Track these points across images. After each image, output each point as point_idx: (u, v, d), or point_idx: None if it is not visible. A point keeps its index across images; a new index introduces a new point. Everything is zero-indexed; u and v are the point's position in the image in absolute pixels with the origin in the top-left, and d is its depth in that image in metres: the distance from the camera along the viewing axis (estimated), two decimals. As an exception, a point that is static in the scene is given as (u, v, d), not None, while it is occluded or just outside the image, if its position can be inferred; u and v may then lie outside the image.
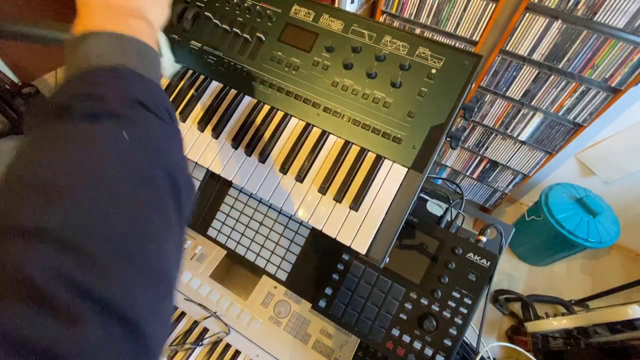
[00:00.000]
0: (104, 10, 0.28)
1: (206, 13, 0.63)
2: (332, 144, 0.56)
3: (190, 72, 0.64)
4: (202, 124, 0.60)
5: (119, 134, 0.22)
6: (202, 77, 0.63)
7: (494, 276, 0.58)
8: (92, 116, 0.22)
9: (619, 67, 1.20)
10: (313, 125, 0.57)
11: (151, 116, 0.25)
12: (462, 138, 0.56)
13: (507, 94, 1.46)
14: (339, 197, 0.52)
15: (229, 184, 0.71)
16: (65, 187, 0.19)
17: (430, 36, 1.18)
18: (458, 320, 0.57)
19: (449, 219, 0.70)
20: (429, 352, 0.57)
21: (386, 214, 0.51)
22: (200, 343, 0.64)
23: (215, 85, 0.63)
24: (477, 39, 1.37)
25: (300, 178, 0.55)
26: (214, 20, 0.63)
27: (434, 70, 0.53)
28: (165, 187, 0.23)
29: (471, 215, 0.80)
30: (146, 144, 0.23)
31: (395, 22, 1.53)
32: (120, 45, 0.27)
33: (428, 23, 1.43)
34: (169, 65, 0.48)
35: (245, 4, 0.62)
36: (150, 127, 0.24)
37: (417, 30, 1.47)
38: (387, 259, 0.51)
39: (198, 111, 0.62)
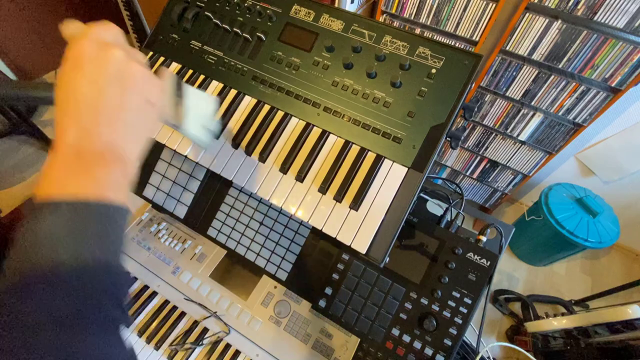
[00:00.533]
0: (73, 161, 0.26)
1: (206, 13, 0.63)
2: (332, 143, 0.56)
3: (191, 71, 0.64)
4: (202, 123, 0.60)
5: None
6: (202, 77, 0.63)
7: (494, 276, 0.58)
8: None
9: (619, 67, 1.20)
10: (313, 125, 0.57)
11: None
12: (462, 138, 0.56)
13: (507, 94, 1.46)
14: (339, 197, 0.52)
15: (229, 184, 0.71)
16: None
17: (430, 36, 1.18)
18: (458, 320, 0.57)
19: (449, 219, 0.70)
20: (429, 351, 0.57)
21: (386, 213, 0.51)
22: (200, 343, 0.64)
23: (215, 85, 0.63)
24: (477, 39, 1.37)
25: (300, 178, 0.55)
26: (214, 20, 0.63)
27: (434, 70, 0.53)
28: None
29: (471, 215, 0.80)
30: None
31: (395, 22, 1.53)
32: (80, 225, 0.25)
33: (428, 23, 1.43)
34: (207, 136, 0.43)
35: (246, 4, 0.62)
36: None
37: (417, 30, 1.47)
38: (387, 259, 0.51)
39: (198, 111, 0.62)
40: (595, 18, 1.15)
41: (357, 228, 0.51)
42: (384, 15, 1.53)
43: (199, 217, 0.71)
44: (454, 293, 0.58)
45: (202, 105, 0.42)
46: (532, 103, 1.43)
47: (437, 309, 0.59)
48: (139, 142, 0.32)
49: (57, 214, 0.24)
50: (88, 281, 0.24)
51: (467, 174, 1.90)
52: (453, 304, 0.58)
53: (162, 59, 0.66)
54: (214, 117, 0.46)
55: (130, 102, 0.30)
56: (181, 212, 0.72)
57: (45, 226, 0.24)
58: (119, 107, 0.29)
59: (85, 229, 0.25)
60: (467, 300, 0.58)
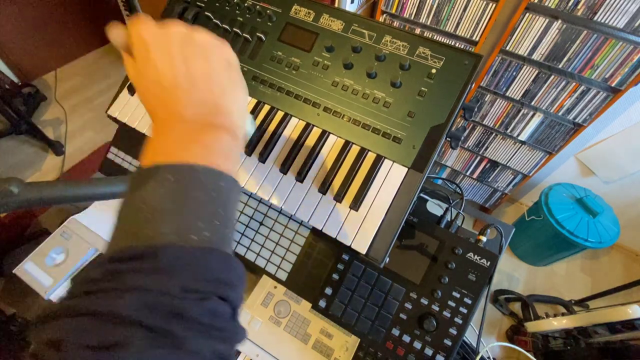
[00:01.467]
0: (177, 125, 0.25)
1: (206, 13, 0.63)
2: (332, 143, 0.56)
3: (190, 72, 0.64)
4: (202, 123, 0.60)
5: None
6: (202, 77, 0.63)
7: (494, 276, 0.58)
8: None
9: (619, 67, 1.20)
10: (313, 125, 0.57)
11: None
12: (462, 138, 0.56)
13: (507, 94, 1.46)
14: (339, 197, 0.52)
15: (229, 183, 0.71)
16: None
17: (430, 36, 1.18)
18: (458, 320, 0.57)
19: (449, 219, 0.70)
20: (429, 352, 0.57)
21: (386, 213, 0.51)
22: (200, 343, 0.64)
23: (215, 85, 0.62)
24: (477, 39, 1.37)
25: (301, 178, 0.55)
26: (214, 20, 0.63)
27: (434, 70, 0.53)
28: None
29: (471, 215, 0.80)
30: None
31: (395, 22, 1.53)
32: (184, 194, 0.22)
33: (428, 23, 1.43)
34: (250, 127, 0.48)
35: (245, 4, 0.62)
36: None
37: (417, 30, 1.47)
38: (387, 259, 0.51)
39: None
40: (595, 18, 1.15)
41: (357, 228, 0.51)
42: (384, 15, 1.53)
43: (199, 217, 0.71)
44: (454, 293, 0.58)
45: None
46: (532, 103, 1.43)
47: (437, 309, 0.59)
48: (238, 101, 0.31)
49: (160, 181, 0.22)
50: (191, 260, 0.21)
51: (467, 174, 1.90)
52: (453, 304, 0.58)
53: (162, 59, 0.66)
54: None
55: (216, 65, 0.29)
56: (181, 212, 0.71)
57: (148, 193, 0.22)
58: (208, 72, 0.28)
59: (189, 198, 0.22)
60: (467, 301, 0.58)
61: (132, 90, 0.65)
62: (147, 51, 0.27)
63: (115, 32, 0.28)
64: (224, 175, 0.24)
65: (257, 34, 0.61)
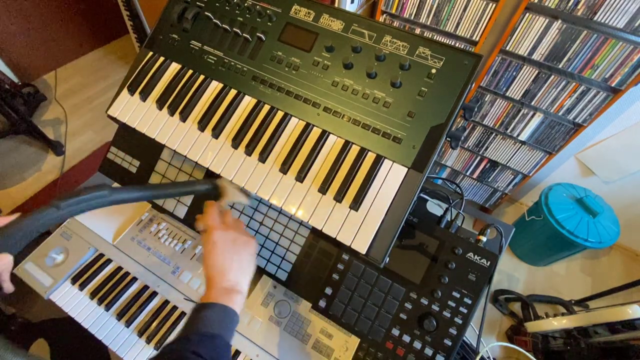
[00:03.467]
0: (219, 289, 0.50)
1: (206, 13, 0.63)
2: (332, 143, 0.56)
3: (191, 72, 0.64)
4: (202, 123, 0.60)
5: None
6: (202, 77, 0.63)
7: (494, 276, 0.58)
8: None
9: (619, 67, 1.20)
10: (313, 125, 0.57)
11: None
12: (462, 138, 0.56)
13: (507, 94, 1.46)
14: (339, 197, 0.52)
15: (229, 183, 0.71)
16: None
17: (430, 36, 1.18)
18: (458, 320, 0.57)
19: (449, 219, 0.70)
20: (429, 352, 0.57)
21: (386, 213, 0.51)
22: (200, 343, 0.64)
23: (215, 85, 0.63)
24: (477, 39, 1.37)
25: (300, 178, 0.55)
26: (214, 20, 0.63)
27: (434, 70, 0.53)
28: None
29: (471, 215, 0.80)
30: None
31: (395, 22, 1.53)
32: (223, 316, 0.47)
33: (428, 23, 1.43)
34: (245, 200, 0.63)
35: (245, 4, 0.62)
36: None
37: (417, 30, 1.47)
38: (387, 259, 0.51)
39: (198, 111, 0.62)
40: (595, 18, 1.14)
41: (357, 228, 0.51)
42: (384, 15, 1.53)
43: (199, 217, 0.71)
44: (454, 293, 0.58)
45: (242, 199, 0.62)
46: (532, 103, 1.43)
47: (437, 309, 0.59)
48: (249, 278, 0.55)
49: (213, 309, 0.47)
50: (218, 342, 0.45)
51: (467, 174, 1.89)
52: (453, 304, 0.58)
53: (162, 59, 0.66)
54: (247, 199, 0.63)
55: (245, 258, 0.55)
56: (181, 212, 0.72)
57: (206, 314, 0.46)
58: (240, 264, 0.54)
59: (224, 318, 0.47)
60: (467, 300, 0.58)
61: (132, 90, 0.65)
62: (214, 244, 0.53)
63: (199, 224, 0.57)
64: (236, 312, 0.49)
65: (257, 34, 0.61)
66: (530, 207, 1.80)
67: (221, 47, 0.63)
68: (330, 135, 0.56)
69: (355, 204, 0.51)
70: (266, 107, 0.59)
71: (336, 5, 1.27)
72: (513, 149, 1.64)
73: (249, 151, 0.57)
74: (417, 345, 0.58)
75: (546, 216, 1.59)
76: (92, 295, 0.70)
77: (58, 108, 2.27)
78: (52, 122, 2.20)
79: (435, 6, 1.38)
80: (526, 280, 1.86)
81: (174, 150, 0.61)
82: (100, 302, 0.69)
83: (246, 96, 0.61)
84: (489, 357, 0.74)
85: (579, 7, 1.15)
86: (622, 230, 1.58)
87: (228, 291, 0.50)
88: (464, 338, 0.70)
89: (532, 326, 1.35)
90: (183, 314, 0.68)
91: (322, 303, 0.63)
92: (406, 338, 0.58)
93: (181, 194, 0.58)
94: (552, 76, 1.33)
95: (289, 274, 0.67)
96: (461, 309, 0.58)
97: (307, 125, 0.57)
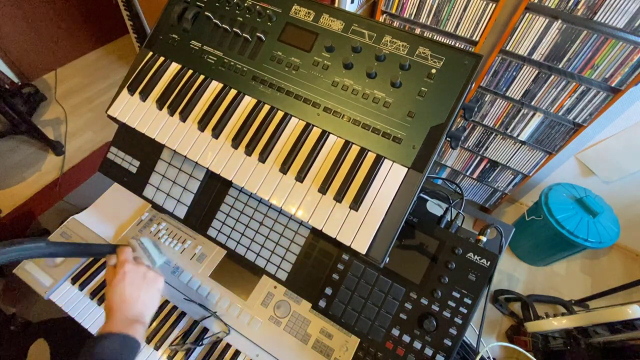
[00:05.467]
0: (122, 319, 0.52)
1: (206, 13, 0.63)
2: (332, 143, 0.56)
3: (190, 72, 0.64)
4: (202, 123, 0.60)
5: None
6: (202, 77, 0.63)
7: (494, 276, 0.58)
8: None
9: (619, 67, 1.20)
10: (313, 125, 0.57)
11: None
12: (462, 138, 0.56)
13: (507, 94, 1.46)
14: (339, 197, 0.52)
15: (229, 184, 0.71)
16: None
17: (430, 36, 1.18)
18: (458, 320, 0.57)
19: (449, 219, 0.70)
20: (429, 352, 0.57)
21: (386, 213, 0.51)
22: (200, 343, 0.64)
23: (215, 85, 0.63)
24: (477, 39, 1.37)
25: (300, 178, 0.55)
26: (214, 20, 0.63)
27: (434, 70, 0.53)
28: None
29: (471, 215, 0.80)
30: None
31: (395, 22, 1.53)
32: (123, 344, 0.48)
33: (428, 23, 1.43)
34: (158, 259, 0.70)
35: (245, 4, 0.62)
36: None
37: (417, 30, 1.47)
38: (387, 259, 0.51)
39: (198, 111, 0.62)
40: (595, 18, 1.14)
41: (357, 228, 0.51)
42: (384, 15, 1.53)
43: (199, 217, 0.71)
44: (454, 293, 0.58)
45: (156, 253, 0.70)
46: (532, 103, 1.43)
47: (437, 309, 0.59)
48: (153, 311, 0.58)
49: (113, 338, 0.48)
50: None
51: (467, 174, 1.89)
52: (453, 304, 0.58)
53: (162, 59, 0.66)
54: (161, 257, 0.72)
55: (150, 293, 0.58)
56: (181, 212, 0.72)
57: (106, 343, 0.48)
58: (145, 298, 0.56)
59: (125, 346, 0.48)
60: (467, 301, 0.58)
61: (132, 90, 0.65)
62: (125, 274, 0.56)
63: (112, 258, 0.61)
64: (138, 342, 0.51)
65: (257, 34, 0.61)
66: (530, 207, 1.80)
67: (221, 47, 0.63)
68: (330, 135, 0.56)
69: (355, 204, 0.51)
70: (266, 107, 0.59)
71: (336, 5, 1.27)
72: (513, 149, 1.64)
73: (249, 151, 0.57)
74: (417, 345, 0.58)
75: (546, 216, 1.59)
76: (92, 295, 0.70)
77: (58, 108, 2.27)
78: (52, 122, 2.20)
79: (435, 6, 1.38)
80: (526, 280, 1.86)
81: (174, 150, 0.61)
82: (100, 302, 0.69)
83: (246, 96, 0.61)
84: (489, 357, 0.74)
85: (579, 7, 1.15)
86: (622, 230, 1.58)
87: (132, 321, 0.52)
88: (464, 338, 0.70)
89: (532, 326, 1.35)
90: (183, 314, 0.68)
91: (322, 303, 0.63)
92: (406, 338, 0.58)
93: (93, 254, 0.66)
94: (552, 76, 1.33)
95: (289, 274, 0.67)
96: (461, 309, 0.58)
97: (307, 125, 0.57)
